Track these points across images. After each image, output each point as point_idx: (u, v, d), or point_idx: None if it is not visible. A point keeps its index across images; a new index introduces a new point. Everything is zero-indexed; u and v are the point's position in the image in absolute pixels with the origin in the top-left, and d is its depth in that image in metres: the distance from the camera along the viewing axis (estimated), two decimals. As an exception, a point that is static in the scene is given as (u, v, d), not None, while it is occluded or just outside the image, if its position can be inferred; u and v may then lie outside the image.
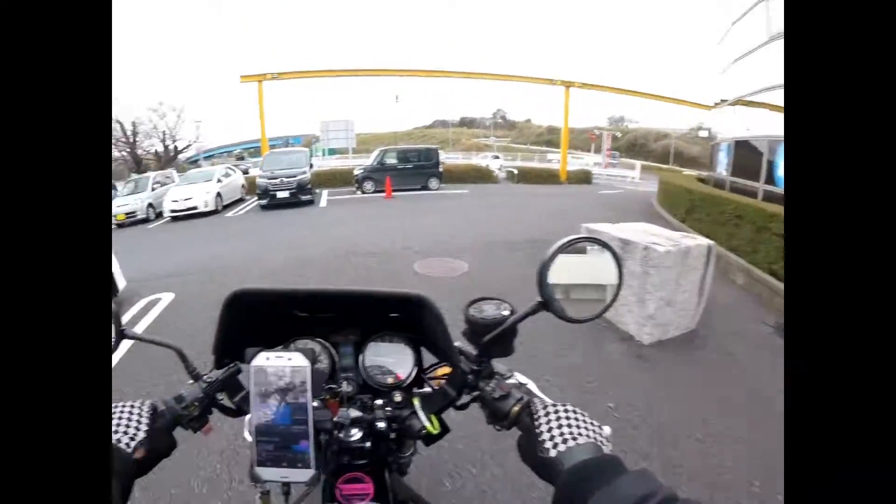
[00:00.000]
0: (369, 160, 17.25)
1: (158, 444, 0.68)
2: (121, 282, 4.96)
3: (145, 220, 13.26)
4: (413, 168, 16.44)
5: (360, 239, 7.96)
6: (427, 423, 0.74)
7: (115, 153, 27.34)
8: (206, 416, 0.77)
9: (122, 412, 0.66)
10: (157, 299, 5.11)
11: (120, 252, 5.45)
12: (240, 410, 0.80)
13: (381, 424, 0.74)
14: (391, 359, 0.89)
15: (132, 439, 0.64)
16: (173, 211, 12.92)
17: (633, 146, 63.71)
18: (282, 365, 0.65)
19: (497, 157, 36.05)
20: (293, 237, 8.73)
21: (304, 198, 13.50)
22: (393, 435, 0.76)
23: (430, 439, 0.77)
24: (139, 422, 0.66)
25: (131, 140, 29.18)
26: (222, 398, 0.80)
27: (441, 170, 16.84)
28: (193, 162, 37.17)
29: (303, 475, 0.64)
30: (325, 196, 15.42)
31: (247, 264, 6.68)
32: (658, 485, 0.48)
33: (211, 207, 13.28)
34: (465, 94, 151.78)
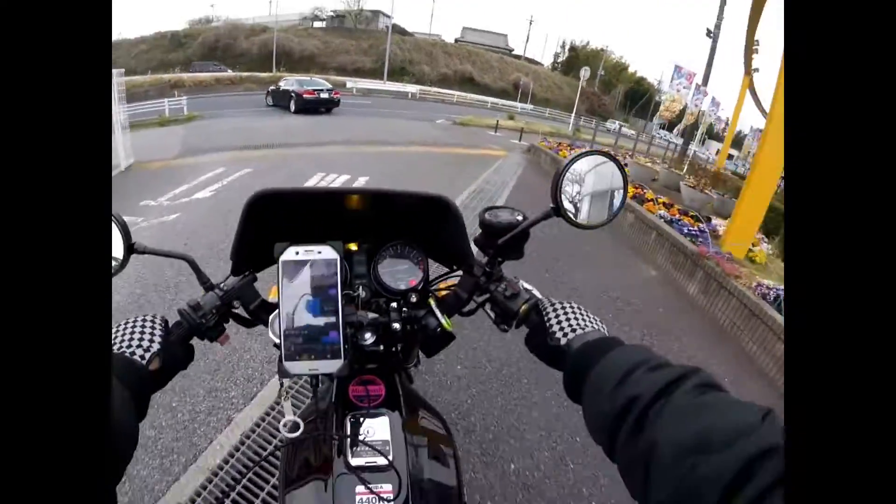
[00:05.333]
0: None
1: (175, 356, 0.69)
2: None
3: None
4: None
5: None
6: (443, 321, 0.79)
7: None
8: (223, 326, 0.78)
9: (134, 326, 0.67)
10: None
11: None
12: (256, 319, 0.81)
13: (397, 326, 0.78)
14: (403, 267, 0.90)
15: (147, 351, 0.64)
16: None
17: (215, 49, 39.88)
18: (312, 258, 0.65)
19: None
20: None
21: None
22: (399, 346, 0.86)
23: (434, 347, 0.85)
24: (153, 334, 0.67)
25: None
26: (237, 307, 0.80)
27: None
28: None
29: (332, 366, 0.64)
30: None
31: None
32: (652, 354, 0.53)
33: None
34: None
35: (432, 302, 0.81)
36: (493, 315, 0.79)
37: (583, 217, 0.74)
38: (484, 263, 0.81)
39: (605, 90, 52.54)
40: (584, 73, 21.34)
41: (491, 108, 31.60)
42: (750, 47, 13.66)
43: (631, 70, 59.83)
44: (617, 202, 0.75)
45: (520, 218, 0.81)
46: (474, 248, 0.83)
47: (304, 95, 15.90)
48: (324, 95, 16.40)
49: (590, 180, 0.74)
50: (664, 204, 6.03)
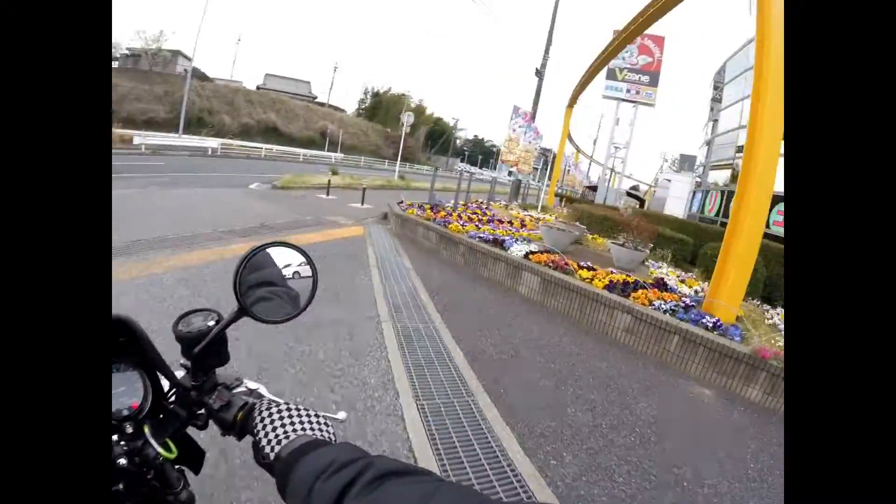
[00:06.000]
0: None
1: None
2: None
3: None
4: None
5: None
6: (160, 449, 0.69)
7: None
8: None
9: None
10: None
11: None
12: None
13: (123, 461, 0.67)
14: (123, 388, 0.76)
15: None
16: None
17: None
18: None
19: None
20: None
21: None
22: (152, 474, 0.72)
23: (192, 465, 0.76)
24: None
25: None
26: None
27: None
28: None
29: None
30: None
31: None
32: (340, 453, 0.53)
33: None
34: None
35: (146, 429, 0.71)
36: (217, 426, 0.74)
37: (271, 312, 0.73)
38: (193, 374, 0.75)
39: (409, 133, 54.49)
40: (407, 118, 20.67)
41: (303, 160, 29.16)
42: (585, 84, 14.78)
43: (429, 112, 63.37)
44: (307, 292, 0.75)
45: (212, 323, 0.75)
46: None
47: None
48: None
49: (278, 272, 0.73)
50: (642, 283, 4.70)
